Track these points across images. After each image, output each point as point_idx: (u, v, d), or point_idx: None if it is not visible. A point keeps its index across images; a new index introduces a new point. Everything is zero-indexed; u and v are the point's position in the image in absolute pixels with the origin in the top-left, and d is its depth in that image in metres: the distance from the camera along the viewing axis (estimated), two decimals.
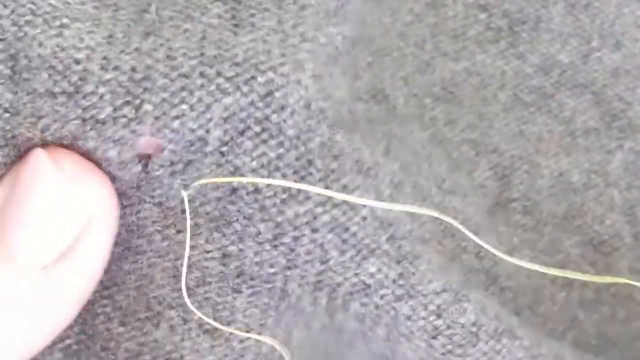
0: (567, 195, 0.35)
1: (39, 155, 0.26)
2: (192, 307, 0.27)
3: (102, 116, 0.26)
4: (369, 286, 0.27)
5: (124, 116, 0.26)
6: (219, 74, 0.26)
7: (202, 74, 0.26)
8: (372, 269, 0.27)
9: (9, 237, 0.25)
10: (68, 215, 0.26)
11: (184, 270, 0.27)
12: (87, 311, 0.28)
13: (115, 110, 0.26)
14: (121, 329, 0.29)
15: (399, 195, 0.28)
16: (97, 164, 0.27)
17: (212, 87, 0.26)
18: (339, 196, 0.25)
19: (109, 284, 0.28)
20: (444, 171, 0.33)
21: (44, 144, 0.27)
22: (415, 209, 0.24)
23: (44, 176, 0.26)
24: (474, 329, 0.28)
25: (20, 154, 0.27)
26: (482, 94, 0.36)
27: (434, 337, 0.28)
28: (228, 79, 0.26)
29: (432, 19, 0.36)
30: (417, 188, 0.31)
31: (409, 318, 0.28)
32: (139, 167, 0.26)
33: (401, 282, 0.27)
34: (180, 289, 0.29)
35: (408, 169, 0.31)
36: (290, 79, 0.26)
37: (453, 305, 0.28)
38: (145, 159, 0.27)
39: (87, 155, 0.26)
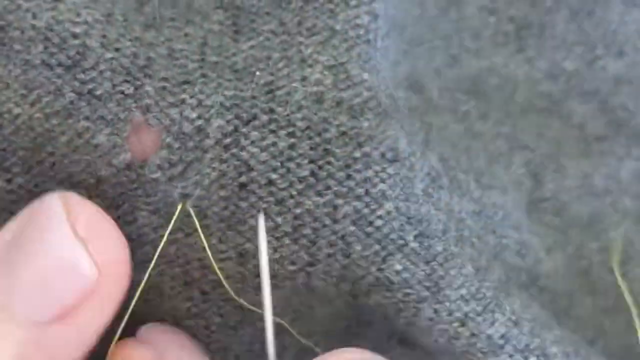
0: (590, 199, 0.34)
1: (54, 205, 0.25)
2: (236, 297, 0.26)
3: (99, 92, 0.25)
4: (392, 283, 0.26)
5: (122, 92, 0.25)
6: (219, 76, 0.26)
7: (203, 75, 0.26)
8: (398, 267, 0.26)
9: (9, 283, 0.24)
10: (74, 276, 0.24)
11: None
12: None
13: (114, 87, 0.25)
14: None
15: (434, 189, 0.27)
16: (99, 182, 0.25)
17: (213, 84, 0.26)
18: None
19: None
20: (482, 164, 0.32)
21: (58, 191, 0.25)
22: None
23: (56, 231, 0.24)
24: (501, 342, 0.27)
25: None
26: (502, 94, 0.35)
27: (455, 339, 0.27)
28: (228, 80, 0.26)
29: (455, 15, 0.35)
30: (456, 182, 0.29)
31: (430, 320, 0.27)
32: (129, 157, 0.25)
33: (427, 284, 0.26)
34: (192, 298, 0.27)
35: (446, 161, 0.29)
36: (292, 77, 0.26)
37: (482, 315, 0.27)
38: (140, 160, 0.25)
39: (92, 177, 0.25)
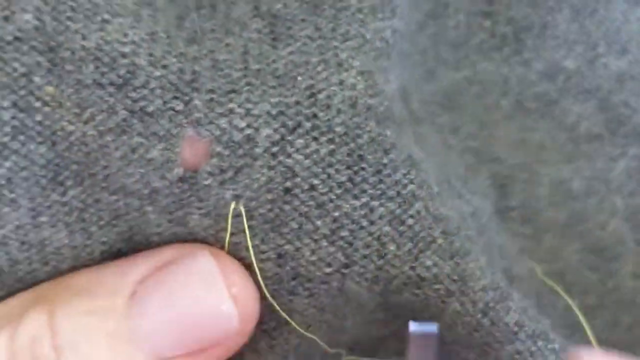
0: (567, 203, 0.35)
1: (209, 263, 0.26)
2: (271, 300, 0.27)
3: (151, 109, 0.26)
4: (424, 279, 0.27)
5: (172, 109, 0.26)
6: (263, 83, 0.27)
7: (248, 83, 0.27)
8: (429, 262, 0.27)
9: (145, 317, 0.25)
10: (212, 328, 0.26)
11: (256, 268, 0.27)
12: None
13: (164, 103, 0.26)
14: None
15: (442, 191, 0.29)
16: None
17: (259, 92, 0.27)
18: None
19: None
20: (461, 173, 0.33)
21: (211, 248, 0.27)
22: None
23: (210, 289, 0.26)
24: (516, 329, 0.28)
25: (62, 151, 0.26)
26: (484, 102, 0.36)
27: (476, 330, 0.28)
28: (272, 87, 0.27)
29: (432, 29, 0.36)
30: (451, 186, 0.31)
31: (457, 313, 0.28)
32: (182, 171, 0.26)
33: (455, 277, 0.27)
34: None
35: (440, 167, 0.31)
36: (331, 81, 0.27)
37: (500, 303, 0.28)
38: (192, 171, 0.27)
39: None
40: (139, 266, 0.26)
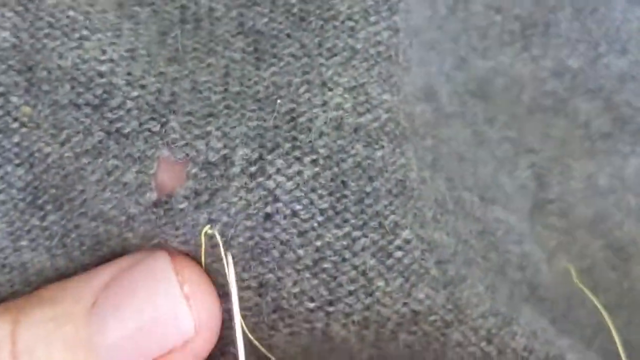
0: (595, 199, 0.35)
1: (164, 262, 0.26)
2: (250, 337, 0.26)
3: (127, 130, 0.25)
4: (417, 313, 0.26)
5: (149, 130, 0.25)
6: (242, 107, 0.26)
7: (227, 107, 0.26)
8: (421, 295, 0.26)
9: (107, 325, 0.25)
10: (168, 332, 0.25)
11: (235, 304, 0.26)
12: None
13: (141, 124, 0.25)
14: None
15: (441, 214, 0.27)
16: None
17: (237, 115, 0.26)
18: None
19: None
20: (488, 174, 0.32)
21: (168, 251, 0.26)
22: None
23: (164, 288, 0.25)
24: (525, 354, 0.27)
25: (41, 170, 0.26)
26: (508, 95, 0.35)
27: None
28: (251, 111, 0.26)
29: (462, 13, 0.35)
30: (460, 203, 0.29)
31: (459, 344, 0.27)
32: (155, 195, 0.25)
33: (449, 306, 0.26)
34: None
35: (452, 181, 0.30)
36: (313, 102, 0.26)
37: (503, 329, 0.27)
38: (166, 195, 0.26)
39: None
40: (103, 273, 0.26)
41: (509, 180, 0.34)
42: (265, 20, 0.27)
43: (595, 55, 0.37)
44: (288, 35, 0.27)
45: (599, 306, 0.32)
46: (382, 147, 0.26)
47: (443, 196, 0.28)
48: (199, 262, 0.26)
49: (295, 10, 0.27)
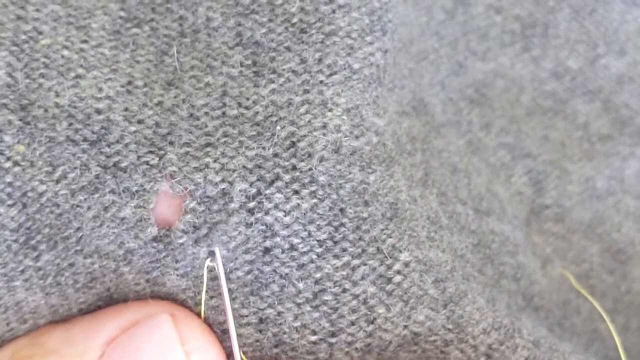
0: (593, 202, 0.35)
1: (168, 327, 0.25)
2: None
3: (124, 164, 0.25)
4: (418, 335, 0.26)
5: (147, 163, 0.25)
6: (241, 133, 0.25)
7: (225, 134, 0.25)
8: (421, 317, 0.26)
9: None
10: None
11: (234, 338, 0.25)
12: None
13: (139, 158, 0.25)
14: None
15: (436, 232, 0.27)
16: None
17: (235, 144, 0.25)
18: None
19: None
20: (482, 184, 0.32)
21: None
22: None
23: (168, 355, 0.25)
24: None
25: (34, 213, 0.26)
26: (508, 97, 0.35)
27: None
28: (250, 137, 0.25)
29: (462, 17, 0.35)
30: (454, 217, 0.29)
31: None
32: (155, 230, 0.25)
33: (450, 326, 0.26)
34: None
35: (445, 195, 0.29)
36: (314, 125, 0.25)
37: (504, 343, 0.27)
38: (165, 229, 0.25)
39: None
40: (106, 327, 0.26)
41: (504, 189, 0.33)
42: (264, 30, 0.27)
43: (594, 56, 0.37)
44: (288, 49, 0.26)
45: (599, 308, 0.31)
46: (375, 170, 0.26)
47: (436, 213, 0.28)
48: (197, 301, 0.26)
49: (295, 20, 0.27)
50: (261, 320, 0.26)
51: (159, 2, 0.27)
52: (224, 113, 0.26)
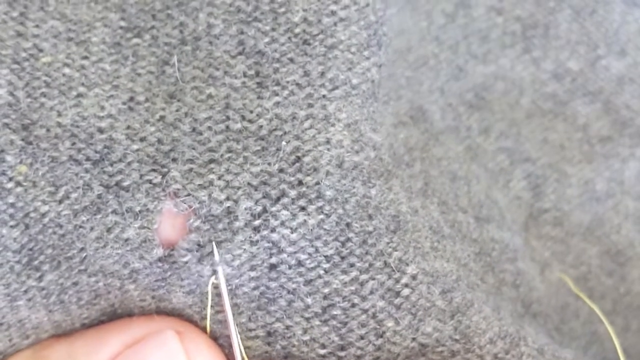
0: (592, 204, 0.35)
1: (174, 344, 0.25)
2: None
3: (127, 183, 0.25)
4: (425, 346, 0.26)
5: (150, 181, 0.25)
6: (245, 148, 0.25)
7: (229, 149, 0.25)
8: (429, 329, 0.26)
9: None
10: None
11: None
12: None
13: (141, 176, 0.25)
14: None
15: (439, 242, 0.27)
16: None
17: (240, 160, 0.25)
18: None
19: None
20: (482, 190, 0.32)
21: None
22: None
23: None
24: None
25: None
26: (507, 99, 0.35)
27: None
28: (255, 153, 0.25)
29: (462, 20, 0.35)
30: (456, 226, 0.29)
31: None
32: (161, 251, 0.25)
33: (457, 336, 0.26)
34: None
35: (445, 204, 0.29)
36: (318, 140, 0.25)
37: (510, 352, 0.27)
38: (169, 248, 0.25)
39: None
40: (110, 343, 0.26)
41: (502, 195, 0.33)
42: (267, 39, 0.26)
43: (595, 57, 0.37)
44: (291, 60, 0.26)
45: (598, 311, 0.31)
46: (374, 185, 0.26)
47: (437, 222, 0.28)
48: (203, 316, 0.26)
49: (298, 30, 0.26)
50: (269, 334, 0.26)
51: (159, 9, 0.27)
52: (227, 127, 0.25)
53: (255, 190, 0.25)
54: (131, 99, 0.26)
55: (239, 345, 0.25)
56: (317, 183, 0.25)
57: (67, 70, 0.26)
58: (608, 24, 0.38)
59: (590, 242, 0.34)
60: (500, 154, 0.34)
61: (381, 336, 0.25)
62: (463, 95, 0.34)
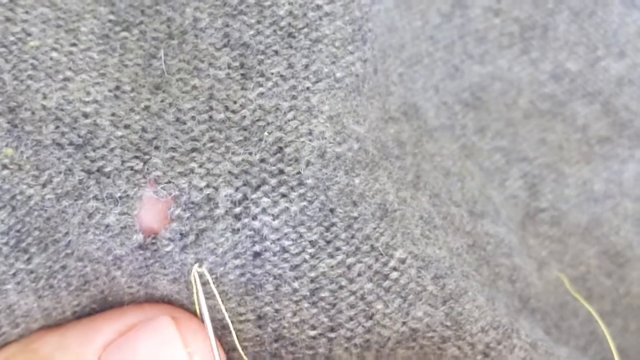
0: (589, 205, 0.35)
1: (170, 330, 0.25)
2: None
3: (108, 169, 0.25)
4: (416, 331, 0.26)
5: (131, 168, 0.25)
6: (227, 138, 0.25)
7: (211, 139, 0.25)
8: (419, 314, 0.26)
9: None
10: None
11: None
12: None
13: (123, 163, 0.25)
14: None
15: (430, 230, 0.27)
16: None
17: (222, 149, 0.25)
18: None
19: None
20: (476, 187, 0.32)
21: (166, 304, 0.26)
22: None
23: (169, 356, 0.25)
24: None
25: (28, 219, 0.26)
26: (505, 99, 0.35)
27: None
28: (237, 142, 0.25)
29: (459, 20, 0.35)
30: (448, 218, 0.29)
31: (455, 358, 0.27)
32: (141, 237, 0.25)
33: (448, 323, 0.26)
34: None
35: (438, 197, 0.29)
36: (300, 131, 0.25)
37: (502, 343, 0.27)
38: (151, 235, 0.25)
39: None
40: (103, 331, 0.26)
41: (498, 193, 0.33)
42: (252, 32, 0.27)
43: (594, 58, 0.37)
44: (276, 52, 0.26)
45: (593, 312, 0.31)
46: (358, 174, 0.26)
47: (429, 213, 0.28)
48: (192, 302, 0.26)
49: (283, 23, 0.27)
50: (259, 317, 0.26)
51: (148, 4, 0.27)
52: (210, 117, 0.26)
53: (236, 178, 0.25)
54: (117, 87, 0.26)
55: (231, 330, 0.26)
56: (299, 172, 0.25)
57: (54, 54, 0.26)
58: (607, 25, 0.38)
59: (588, 242, 0.34)
60: (496, 153, 0.34)
61: (370, 318, 0.25)
62: (459, 94, 0.34)
